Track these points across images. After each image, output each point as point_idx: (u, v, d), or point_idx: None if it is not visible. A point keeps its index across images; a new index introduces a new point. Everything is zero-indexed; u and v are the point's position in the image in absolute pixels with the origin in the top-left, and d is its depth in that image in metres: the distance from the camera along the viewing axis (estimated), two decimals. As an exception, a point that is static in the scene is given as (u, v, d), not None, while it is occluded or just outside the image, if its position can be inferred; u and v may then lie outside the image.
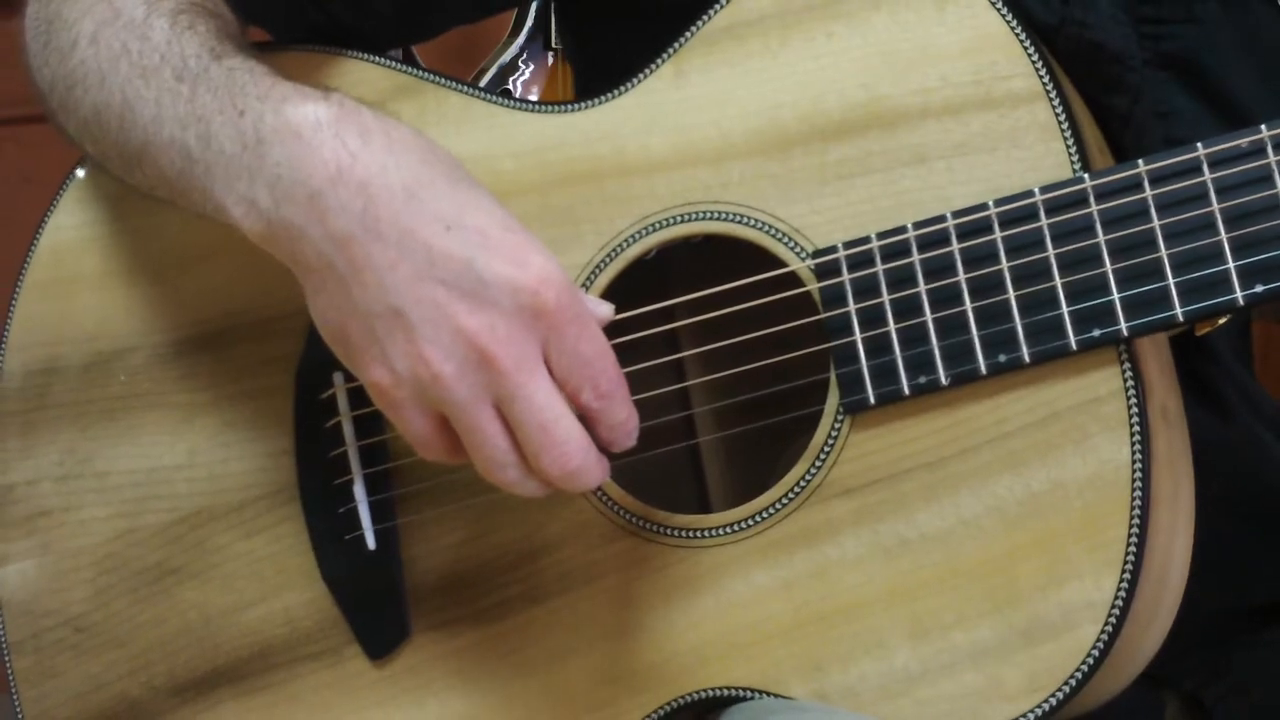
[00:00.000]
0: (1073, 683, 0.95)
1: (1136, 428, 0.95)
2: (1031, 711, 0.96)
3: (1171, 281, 0.94)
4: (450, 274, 0.95)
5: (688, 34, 1.07)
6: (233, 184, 1.00)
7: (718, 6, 1.06)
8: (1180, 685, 1.09)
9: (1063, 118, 0.98)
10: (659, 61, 1.08)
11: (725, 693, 1.03)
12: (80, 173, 1.22)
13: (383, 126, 0.98)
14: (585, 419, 0.98)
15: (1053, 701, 0.96)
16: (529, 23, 2.45)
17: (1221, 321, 0.98)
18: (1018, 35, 1.00)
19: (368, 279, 0.96)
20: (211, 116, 1.01)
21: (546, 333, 0.96)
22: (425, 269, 0.95)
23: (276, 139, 0.98)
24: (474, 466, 1.01)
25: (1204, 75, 1.07)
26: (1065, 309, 0.96)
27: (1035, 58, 0.99)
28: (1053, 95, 0.98)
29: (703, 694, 1.03)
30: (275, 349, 1.15)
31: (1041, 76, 0.99)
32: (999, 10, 1.00)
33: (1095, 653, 0.95)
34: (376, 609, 1.11)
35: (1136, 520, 0.95)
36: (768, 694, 1.01)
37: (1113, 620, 0.95)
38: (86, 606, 1.19)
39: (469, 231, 0.96)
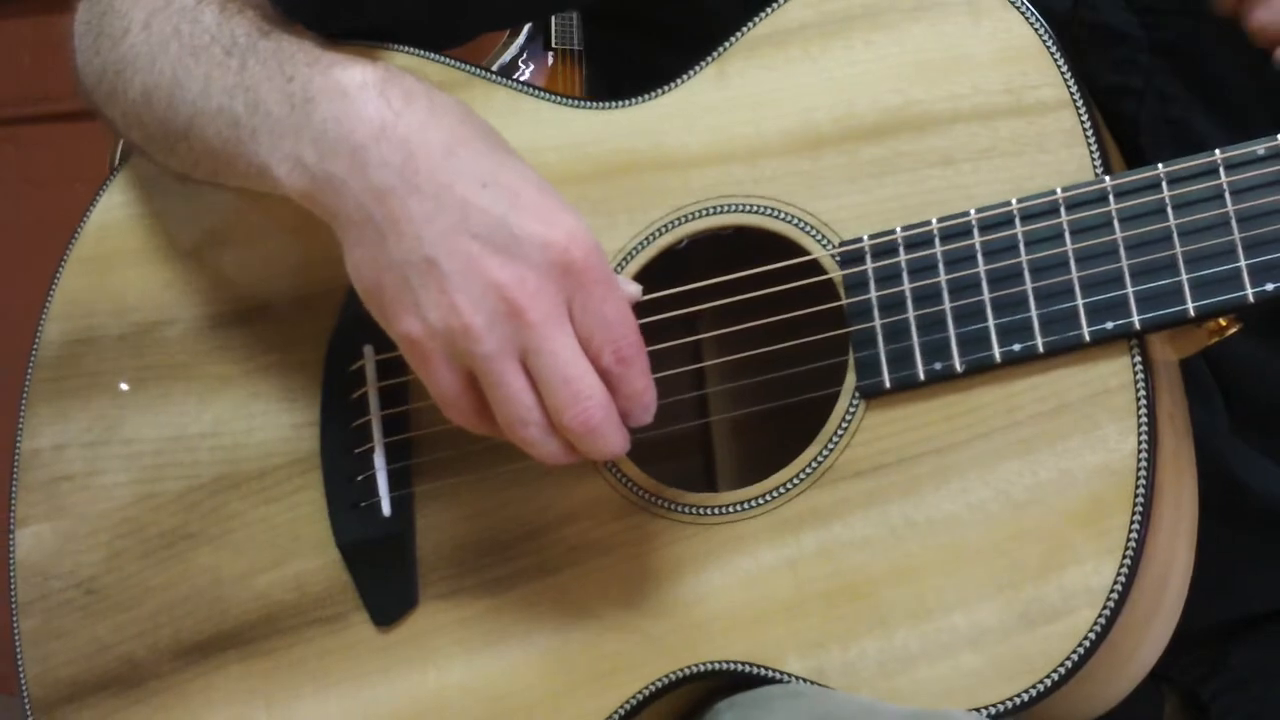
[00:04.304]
0: (1068, 665, 0.96)
1: (1144, 420, 0.98)
2: (1026, 692, 0.97)
3: (1184, 277, 0.97)
4: (484, 228, 0.99)
5: (731, 40, 1.12)
6: (278, 143, 1.04)
7: (762, 15, 1.11)
8: (1179, 681, 1.09)
9: (1088, 125, 1.02)
10: (703, 64, 1.12)
11: (723, 666, 1.04)
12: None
13: (425, 90, 1.04)
14: (605, 382, 1.00)
15: (1047, 684, 0.96)
16: (529, 23, 2.49)
17: (1231, 331, 1.01)
18: (1048, 47, 1.04)
19: (404, 230, 1.00)
20: (259, 84, 1.06)
21: (573, 290, 0.99)
22: (460, 223, 0.99)
23: (324, 97, 1.03)
24: (495, 436, 1.03)
25: (1198, 63, 1.11)
26: (1080, 301, 0.99)
27: (1065, 68, 1.03)
28: (1079, 104, 1.03)
29: (701, 667, 1.04)
30: (308, 325, 1.18)
31: (1070, 86, 1.03)
32: (1032, 23, 1.05)
33: (1091, 636, 0.96)
34: (386, 576, 1.13)
35: (1139, 509, 0.97)
36: (765, 668, 1.02)
37: (1110, 605, 0.96)
38: (99, 569, 1.21)
39: (503, 190, 1.00)
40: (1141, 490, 0.97)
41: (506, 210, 1.00)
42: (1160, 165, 0.99)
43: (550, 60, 2.50)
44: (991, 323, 1.01)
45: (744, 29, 1.12)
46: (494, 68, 2.44)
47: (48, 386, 1.25)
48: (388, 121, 1.01)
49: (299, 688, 1.14)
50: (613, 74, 1.28)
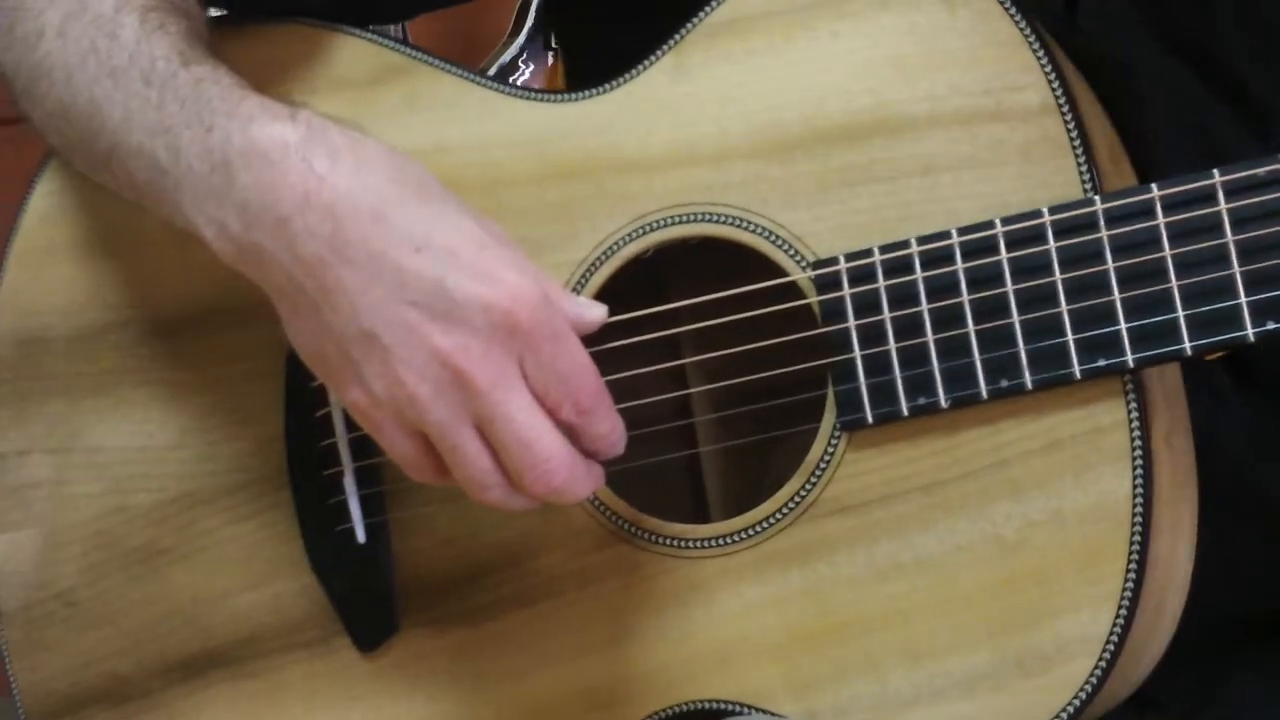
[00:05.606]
0: (1065, 715, 0.94)
1: (1139, 461, 0.93)
2: None
3: (1181, 314, 0.91)
4: (422, 295, 0.94)
5: (689, 26, 1.03)
6: (202, 204, 0.98)
7: None
8: (1168, 710, 1.07)
9: (1074, 133, 0.94)
10: (659, 53, 1.04)
11: (714, 705, 1.02)
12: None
13: (351, 145, 0.97)
14: (568, 432, 0.96)
15: None
16: (529, 22, 2.40)
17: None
18: (1031, 44, 0.96)
19: (339, 303, 0.95)
20: (179, 129, 1.00)
21: (522, 350, 0.94)
22: (396, 291, 0.94)
23: (243, 162, 0.96)
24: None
25: (1213, 59, 1.03)
26: (1070, 336, 0.93)
27: (1049, 68, 0.95)
28: (1065, 110, 0.95)
29: (691, 705, 1.02)
30: (265, 332, 1.12)
31: (1054, 89, 0.95)
32: (1012, 16, 0.96)
33: (1089, 687, 0.94)
34: (365, 603, 1.10)
35: (1135, 554, 0.93)
36: (757, 708, 1.00)
37: (1108, 654, 0.93)
38: (77, 581, 1.18)
39: (439, 251, 0.94)
40: (1137, 534, 0.93)
41: (444, 273, 0.94)
42: (1154, 186, 0.92)
43: (550, 60, 2.38)
44: (977, 358, 0.95)
45: (702, 13, 1.03)
46: (494, 68, 2.33)
47: (3, 388, 1.21)
48: (311, 188, 0.95)
49: (287, 710, 1.13)
50: (576, 59, 1.19)
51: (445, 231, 0.95)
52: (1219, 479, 1.00)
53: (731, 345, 1.02)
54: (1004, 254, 0.94)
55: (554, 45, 2.39)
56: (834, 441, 0.99)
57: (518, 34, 2.38)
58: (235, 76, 1.01)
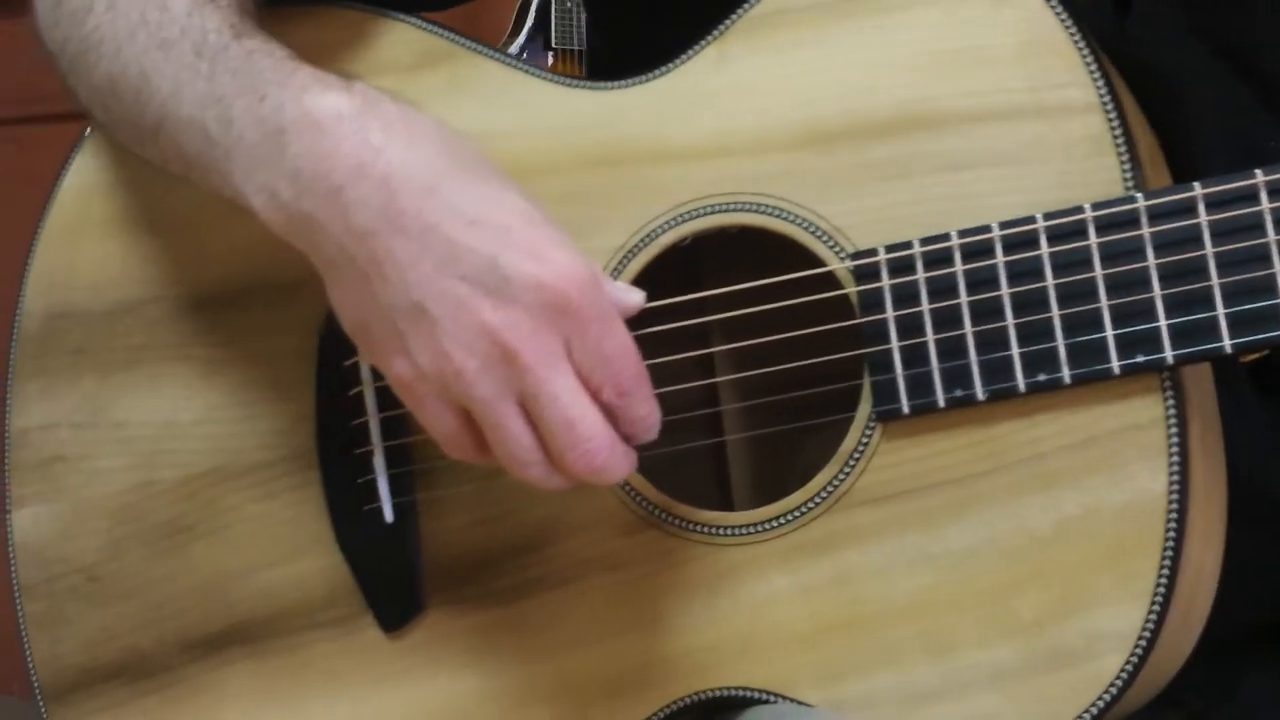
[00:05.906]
0: (1093, 711, 0.94)
1: (1176, 458, 0.93)
2: None
3: (1221, 312, 0.92)
4: (473, 270, 0.94)
5: (733, 17, 1.04)
6: (253, 173, 0.98)
7: None
8: (1186, 703, 1.07)
9: (1118, 132, 0.95)
10: (702, 44, 1.05)
11: (739, 693, 1.02)
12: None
13: (405, 119, 0.97)
14: (606, 413, 0.96)
15: None
16: (529, 23, 2.42)
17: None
18: (1076, 42, 0.96)
19: (389, 274, 0.95)
20: (232, 99, 1.00)
21: (570, 329, 0.94)
22: (447, 265, 0.94)
23: (296, 131, 0.96)
24: (499, 465, 1.00)
25: (1259, 65, 1.03)
26: (1110, 332, 0.94)
27: (1093, 67, 0.96)
28: (1109, 108, 0.95)
29: (716, 692, 1.02)
30: (299, 311, 1.13)
31: (1099, 87, 0.95)
32: (1058, 14, 0.96)
33: (1118, 683, 0.94)
34: (391, 582, 1.10)
35: (1169, 553, 0.93)
36: (783, 696, 1.00)
37: (1138, 652, 0.93)
38: (100, 556, 1.18)
39: (492, 227, 0.94)
40: (1172, 533, 0.93)
41: (497, 250, 0.94)
42: (1197, 185, 0.93)
43: (550, 60, 2.40)
44: (1015, 351, 0.96)
45: (745, 5, 1.04)
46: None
47: (33, 363, 1.21)
48: (366, 159, 0.95)
49: (309, 688, 1.13)
50: (613, 50, 1.20)
51: (497, 208, 0.95)
52: (1234, 482, 1.00)
53: (764, 335, 1.02)
54: (1045, 248, 0.95)
55: (554, 45, 2.40)
56: (868, 432, 0.99)
57: (518, 34, 2.40)
58: (287, 49, 1.02)
